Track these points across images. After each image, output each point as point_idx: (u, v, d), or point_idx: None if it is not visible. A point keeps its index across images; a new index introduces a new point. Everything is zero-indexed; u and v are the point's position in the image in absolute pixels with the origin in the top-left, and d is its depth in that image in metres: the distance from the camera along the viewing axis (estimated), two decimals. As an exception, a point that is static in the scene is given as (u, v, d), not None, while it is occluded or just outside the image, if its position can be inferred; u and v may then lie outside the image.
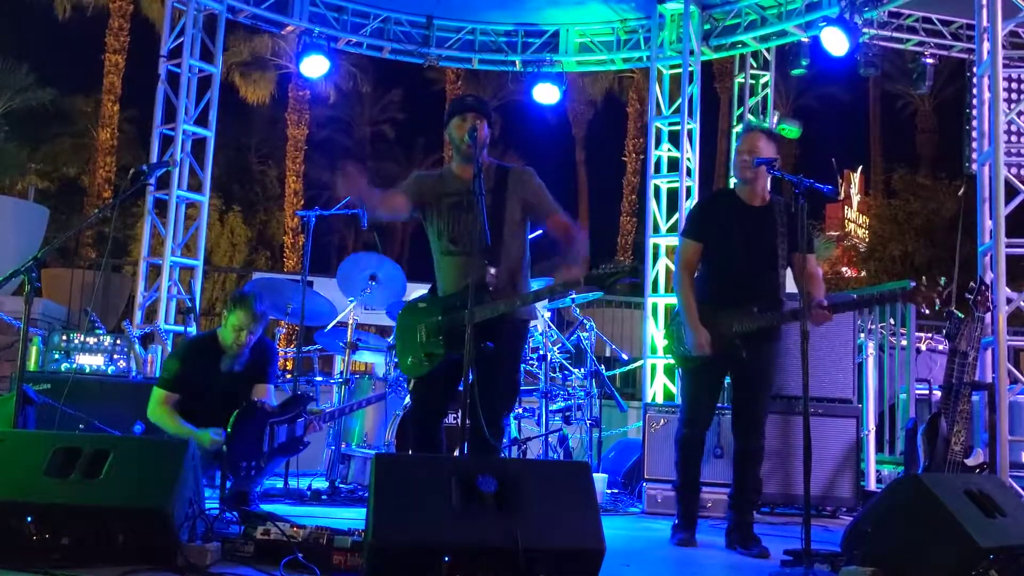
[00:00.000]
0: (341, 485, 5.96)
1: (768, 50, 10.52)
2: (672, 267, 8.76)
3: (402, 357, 3.96)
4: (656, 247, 9.00)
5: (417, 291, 5.15)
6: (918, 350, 7.07)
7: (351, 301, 6.31)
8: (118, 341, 6.24)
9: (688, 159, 8.94)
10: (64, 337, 6.17)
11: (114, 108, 18.54)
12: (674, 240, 8.85)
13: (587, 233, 3.94)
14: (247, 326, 4.77)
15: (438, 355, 3.79)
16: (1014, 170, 5.76)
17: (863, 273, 21.62)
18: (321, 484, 5.99)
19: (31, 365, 6.08)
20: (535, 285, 4.06)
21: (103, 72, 18.57)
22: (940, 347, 7.26)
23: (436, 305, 3.88)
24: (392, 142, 25.83)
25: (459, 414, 3.70)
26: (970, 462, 4.76)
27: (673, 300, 8.68)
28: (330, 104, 23.67)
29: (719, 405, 4.84)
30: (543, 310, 6.46)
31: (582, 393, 6.47)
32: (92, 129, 19.21)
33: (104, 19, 18.65)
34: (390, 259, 6.52)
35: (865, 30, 8.75)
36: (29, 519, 3.01)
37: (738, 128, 10.92)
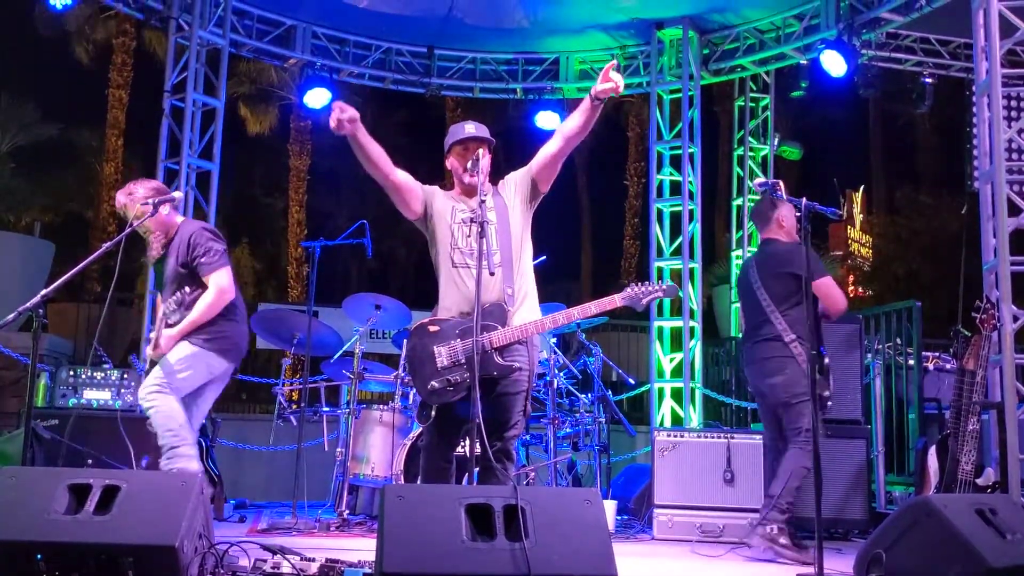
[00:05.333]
0: (350, 516, 5.94)
1: (767, 73, 10.59)
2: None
3: (421, 383, 3.78)
4: (660, 270, 9.01)
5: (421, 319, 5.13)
6: (925, 369, 7.05)
7: (356, 331, 6.32)
8: (125, 375, 6.25)
9: (690, 182, 8.98)
10: (71, 372, 6.18)
11: (118, 142, 18.64)
12: (677, 263, 8.87)
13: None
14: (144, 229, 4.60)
15: (464, 383, 3.68)
16: (1016, 187, 5.76)
17: (869, 293, 21.57)
18: (330, 515, 5.97)
19: (38, 400, 6.09)
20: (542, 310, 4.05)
21: (107, 107, 18.70)
22: (948, 366, 7.23)
23: (451, 328, 3.77)
24: (395, 170, 25.95)
25: (468, 442, 3.67)
26: (981, 482, 4.74)
27: (679, 323, 8.77)
28: (332, 133, 23.77)
29: (725, 429, 4.91)
30: (548, 336, 6.47)
31: (590, 419, 6.45)
32: (97, 164, 19.30)
33: (108, 54, 18.81)
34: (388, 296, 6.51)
35: (863, 51, 8.81)
36: (39, 557, 3.01)
37: (739, 151, 10.98)
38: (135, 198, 4.57)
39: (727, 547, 5.26)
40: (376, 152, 3.82)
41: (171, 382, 4.43)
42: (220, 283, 4.44)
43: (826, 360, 4.90)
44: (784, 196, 4.53)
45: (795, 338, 4.88)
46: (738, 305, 10.88)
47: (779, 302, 4.96)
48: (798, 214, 5.09)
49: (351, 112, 3.71)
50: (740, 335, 10.14)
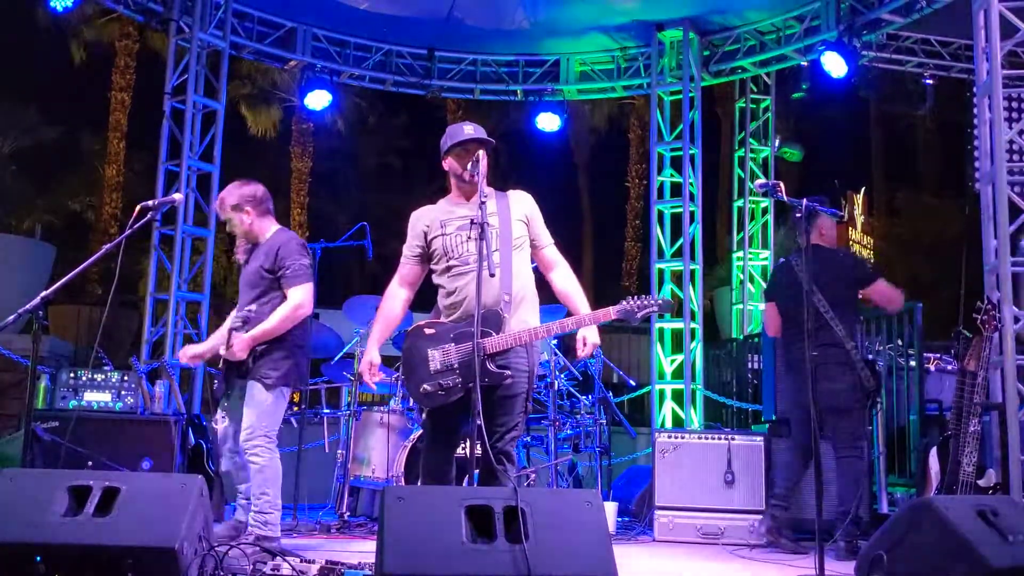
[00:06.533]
0: (350, 518, 5.94)
1: (768, 74, 10.59)
2: (676, 291, 8.78)
3: (414, 386, 3.79)
4: (661, 272, 9.01)
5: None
6: (927, 371, 7.04)
7: (357, 333, 6.31)
8: (125, 377, 6.24)
9: (691, 184, 8.98)
10: (72, 374, 6.18)
11: (120, 145, 18.62)
12: (678, 265, 8.86)
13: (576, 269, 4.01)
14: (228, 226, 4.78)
15: (455, 388, 3.68)
16: (1017, 188, 5.74)
17: (869, 294, 21.52)
18: (330, 517, 5.97)
19: (39, 402, 6.09)
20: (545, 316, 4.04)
21: (109, 109, 18.71)
22: (949, 367, 7.22)
23: (446, 331, 3.77)
24: (397, 172, 25.92)
25: (468, 443, 3.66)
26: (982, 483, 4.73)
27: (679, 325, 8.76)
28: (334, 135, 23.80)
29: (726, 430, 4.91)
30: (549, 338, 6.45)
31: (590, 420, 6.45)
32: (99, 166, 19.30)
33: (110, 57, 18.81)
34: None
35: (864, 53, 8.80)
36: (39, 559, 3.00)
37: (740, 152, 10.97)
38: (224, 207, 4.70)
39: (730, 548, 5.27)
40: (396, 321, 4.10)
41: (271, 430, 4.49)
42: (300, 298, 4.45)
43: (878, 365, 5.42)
44: (784, 198, 4.53)
45: (854, 345, 5.14)
46: (740, 307, 10.91)
47: (837, 308, 5.12)
48: (797, 214, 5.12)
49: (373, 374, 4.00)
50: (741, 336, 10.16)
